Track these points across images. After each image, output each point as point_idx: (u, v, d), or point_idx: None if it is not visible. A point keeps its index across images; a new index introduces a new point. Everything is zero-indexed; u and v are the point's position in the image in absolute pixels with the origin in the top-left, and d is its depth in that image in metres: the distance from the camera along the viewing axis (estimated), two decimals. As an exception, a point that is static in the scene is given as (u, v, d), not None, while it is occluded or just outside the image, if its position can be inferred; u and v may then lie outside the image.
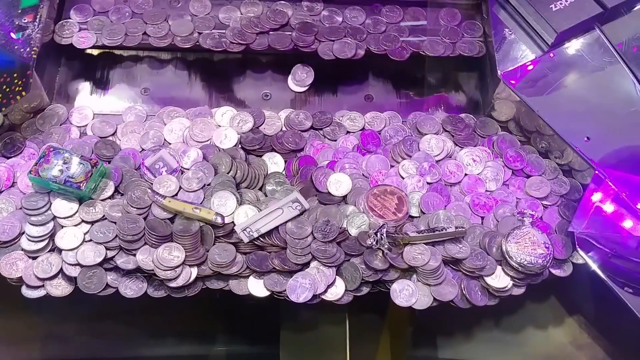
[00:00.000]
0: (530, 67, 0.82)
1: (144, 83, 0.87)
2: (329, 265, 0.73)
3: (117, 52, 0.89)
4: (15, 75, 0.76)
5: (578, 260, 0.76)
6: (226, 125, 0.81)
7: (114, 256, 0.72)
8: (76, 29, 0.85)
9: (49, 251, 0.73)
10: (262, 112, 0.83)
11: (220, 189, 0.75)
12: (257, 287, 0.73)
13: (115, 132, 0.81)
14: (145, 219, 0.73)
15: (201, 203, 0.75)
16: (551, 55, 0.82)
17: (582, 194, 0.79)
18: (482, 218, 0.78)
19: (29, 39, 0.79)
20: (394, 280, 0.74)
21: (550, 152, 0.82)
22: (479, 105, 0.88)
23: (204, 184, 0.76)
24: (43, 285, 0.72)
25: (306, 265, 0.74)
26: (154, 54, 0.89)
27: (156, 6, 0.87)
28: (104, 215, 0.73)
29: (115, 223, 0.73)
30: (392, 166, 0.80)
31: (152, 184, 0.75)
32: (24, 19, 0.80)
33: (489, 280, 0.74)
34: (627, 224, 0.75)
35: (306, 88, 0.87)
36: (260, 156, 0.80)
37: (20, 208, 0.74)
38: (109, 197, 0.75)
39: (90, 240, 0.72)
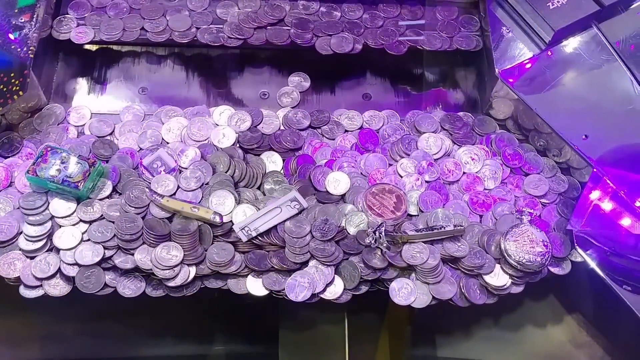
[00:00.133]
0: (528, 66, 0.82)
1: (141, 82, 0.87)
2: (328, 264, 0.73)
3: (114, 48, 0.89)
4: (12, 74, 0.76)
5: (577, 259, 0.77)
6: (224, 124, 0.81)
7: (112, 256, 0.72)
8: (74, 25, 0.85)
9: (46, 251, 0.73)
10: (260, 111, 0.83)
11: (219, 188, 0.75)
12: (255, 286, 0.73)
13: (113, 131, 0.81)
14: (143, 218, 0.73)
15: (199, 202, 0.75)
16: (549, 53, 0.82)
17: (580, 192, 0.79)
18: (481, 216, 0.78)
19: (26, 39, 0.79)
20: (393, 279, 0.74)
21: (549, 150, 0.82)
22: (477, 104, 0.88)
23: (202, 183, 0.76)
24: (41, 285, 0.72)
25: (305, 264, 0.74)
26: (151, 49, 0.89)
27: (154, 1, 0.88)
28: (102, 215, 0.73)
29: (113, 222, 0.72)
30: (390, 165, 0.80)
31: (150, 183, 0.75)
32: (21, 19, 0.80)
33: (487, 278, 0.74)
34: (626, 221, 0.75)
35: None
36: (259, 155, 0.80)
37: (18, 208, 0.73)
38: (107, 197, 0.75)
39: (88, 239, 0.72)
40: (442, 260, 0.74)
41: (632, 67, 0.80)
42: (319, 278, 0.73)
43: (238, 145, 0.80)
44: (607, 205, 0.76)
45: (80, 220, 0.73)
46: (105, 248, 0.72)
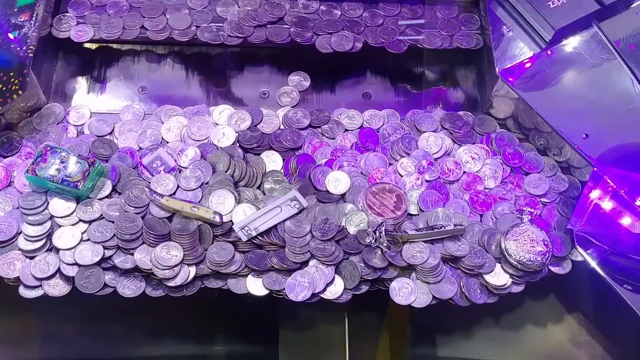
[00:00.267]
0: (528, 65, 0.82)
1: (141, 81, 0.87)
2: (328, 263, 0.73)
3: (114, 46, 0.89)
4: (11, 74, 0.76)
5: (577, 258, 0.76)
6: (224, 123, 0.81)
7: (111, 255, 0.72)
8: (74, 23, 0.85)
9: (46, 251, 0.73)
10: (260, 111, 0.83)
11: (219, 188, 0.75)
12: (255, 286, 0.73)
13: (113, 130, 0.80)
14: (143, 218, 0.73)
15: (199, 202, 0.74)
16: (549, 52, 0.82)
17: (580, 191, 0.79)
18: (481, 216, 0.78)
19: (25, 38, 0.78)
20: (393, 279, 0.74)
21: (549, 149, 0.82)
22: (477, 103, 0.88)
23: (202, 183, 0.76)
24: (40, 285, 0.72)
25: (305, 263, 0.73)
26: (151, 48, 0.89)
27: (153, 0, 0.87)
28: (101, 215, 0.73)
29: (113, 222, 0.72)
30: (390, 164, 0.80)
31: (149, 182, 0.75)
32: (20, 18, 0.80)
33: (488, 278, 0.74)
34: (626, 221, 0.75)
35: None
36: (259, 154, 0.80)
37: (18, 207, 0.73)
38: (107, 196, 0.74)
39: (88, 239, 0.72)
40: (442, 260, 0.74)
41: (633, 66, 0.80)
42: (319, 278, 0.73)
43: (238, 144, 0.80)
44: (607, 205, 0.76)
45: (80, 220, 0.73)
46: (104, 248, 0.72)
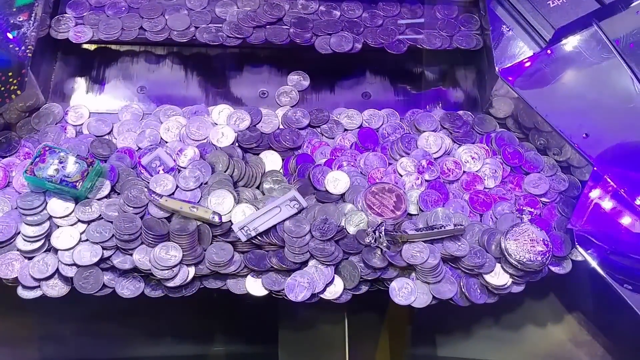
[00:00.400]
0: (528, 64, 0.82)
1: (140, 81, 0.87)
2: (328, 263, 0.73)
3: (113, 47, 0.88)
4: (10, 74, 0.76)
5: (577, 258, 0.76)
6: (223, 123, 0.81)
7: (110, 256, 0.72)
8: (72, 24, 0.85)
9: (44, 251, 0.72)
10: (259, 110, 0.82)
11: (218, 188, 0.75)
12: (255, 286, 0.73)
13: (112, 130, 0.80)
14: (142, 218, 0.73)
15: (198, 202, 0.74)
16: (549, 51, 0.82)
17: (580, 190, 0.79)
18: (481, 215, 0.78)
19: (24, 38, 0.78)
20: (393, 279, 0.74)
21: (549, 148, 0.82)
22: (477, 102, 0.88)
23: (201, 183, 0.76)
24: (39, 286, 0.72)
25: (304, 264, 0.73)
26: (150, 49, 0.88)
27: (152, 0, 0.87)
28: (100, 215, 0.73)
29: (111, 222, 0.72)
30: (390, 164, 0.80)
31: (148, 183, 0.75)
32: (19, 18, 0.80)
33: (488, 278, 0.74)
34: (626, 220, 0.75)
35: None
36: (258, 154, 0.80)
37: (16, 208, 0.73)
38: (106, 197, 0.74)
39: (87, 240, 0.72)
40: (442, 260, 0.74)
41: (633, 65, 0.80)
42: (318, 278, 0.72)
43: (237, 144, 0.80)
44: (607, 204, 0.76)
45: (79, 220, 0.73)
46: (103, 248, 0.71)
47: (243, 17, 0.86)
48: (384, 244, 0.72)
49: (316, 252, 0.73)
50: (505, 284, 0.74)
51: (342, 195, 0.77)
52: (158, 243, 0.72)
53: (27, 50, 0.77)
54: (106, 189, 0.74)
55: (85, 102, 0.84)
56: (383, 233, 0.72)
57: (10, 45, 0.77)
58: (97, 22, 0.85)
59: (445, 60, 0.90)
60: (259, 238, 0.73)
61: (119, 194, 0.75)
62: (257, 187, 0.78)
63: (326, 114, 0.83)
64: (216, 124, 0.81)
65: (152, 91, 0.86)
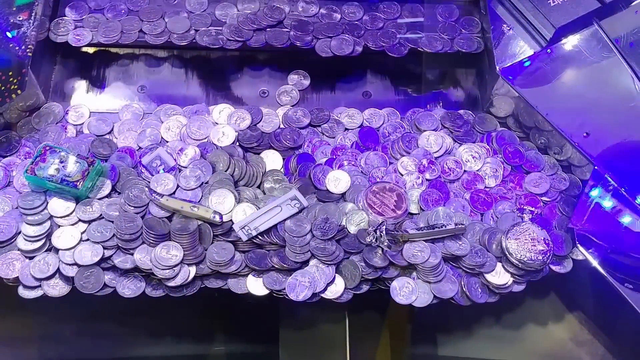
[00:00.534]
0: (528, 63, 0.82)
1: (140, 81, 0.86)
2: (329, 263, 0.73)
3: (113, 50, 0.88)
4: (10, 73, 0.75)
5: (578, 257, 0.76)
6: (224, 122, 0.81)
7: (111, 255, 0.72)
8: (71, 27, 0.84)
9: (45, 251, 0.72)
10: (260, 110, 0.82)
11: (218, 187, 0.75)
12: (256, 286, 0.73)
13: (112, 130, 0.80)
14: (142, 217, 0.73)
15: (199, 201, 0.74)
16: (549, 51, 0.82)
17: (581, 189, 0.79)
18: (482, 215, 0.78)
19: (24, 37, 0.78)
20: (394, 278, 0.74)
21: (550, 148, 0.82)
22: (478, 102, 0.88)
23: (202, 182, 0.76)
24: (40, 286, 0.72)
25: (305, 263, 0.73)
26: (150, 51, 0.88)
27: (152, 3, 0.87)
28: (101, 215, 0.73)
29: (112, 222, 0.72)
30: (390, 163, 0.80)
31: (149, 182, 0.75)
32: (19, 17, 0.79)
33: (489, 277, 0.74)
34: (627, 219, 0.75)
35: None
36: (258, 154, 0.80)
37: (17, 207, 0.73)
38: (106, 196, 0.74)
39: (88, 239, 0.72)
40: (443, 259, 0.74)
41: (633, 64, 0.80)
42: (319, 277, 0.72)
43: (238, 143, 0.80)
44: (608, 203, 0.76)
45: (79, 220, 0.73)
46: (104, 248, 0.71)
47: (243, 19, 0.85)
48: (385, 243, 0.72)
49: (317, 252, 0.72)
50: (506, 283, 0.74)
51: (343, 194, 0.77)
52: (159, 242, 0.72)
53: (27, 50, 0.77)
54: (107, 189, 0.74)
55: (86, 101, 0.84)
56: (384, 232, 0.72)
57: (10, 45, 0.77)
58: (97, 25, 0.84)
59: (446, 60, 0.90)
60: (260, 237, 0.73)
61: (119, 193, 0.75)
62: (258, 187, 0.78)
63: (327, 113, 0.83)
64: (217, 124, 0.81)
65: (153, 90, 0.86)
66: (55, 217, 0.72)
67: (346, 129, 0.83)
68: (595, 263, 0.75)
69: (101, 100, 0.85)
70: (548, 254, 0.73)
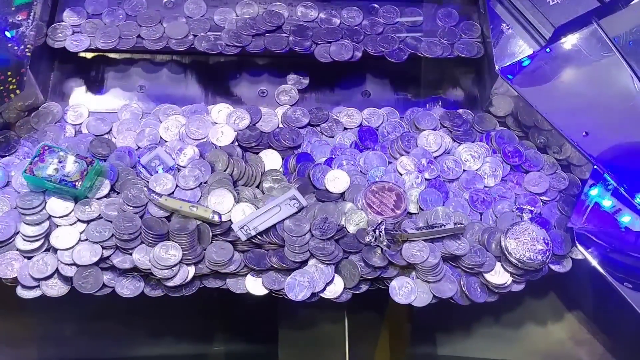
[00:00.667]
0: (527, 62, 0.81)
1: (139, 80, 0.86)
2: (328, 263, 0.73)
3: (111, 55, 0.88)
4: (9, 73, 0.75)
5: (577, 256, 0.76)
6: (222, 122, 0.81)
7: (110, 255, 0.72)
8: (69, 32, 0.84)
9: (44, 251, 0.72)
10: (259, 109, 0.82)
11: (217, 187, 0.75)
12: (255, 286, 0.73)
13: (111, 130, 0.80)
14: (141, 217, 0.73)
15: (198, 201, 0.74)
16: (548, 50, 0.82)
17: (581, 189, 0.79)
18: (481, 214, 0.78)
19: (22, 37, 0.78)
20: (393, 278, 0.74)
21: (549, 147, 0.82)
22: (477, 101, 0.88)
23: (201, 182, 0.76)
24: (38, 286, 0.71)
25: (304, 263, 0.73)
26: (148, 57, 0.88)
27: (150, 8, 0.86)
28: (99, 214, 0.73)
29: (111, 222, 0.72)
30: (390, 162, 0.80)
31: (148, 182, 0.75)
32: (18, 17, 0.79)
33: (488, 276, 0.74)
34: (626, 218, 0.75)
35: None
36: (257, 153, 0.80)
37: (15, 207, 0.73)
38: (105, 196, 0.74)
39: (86, 239, 0.72)
40: (442, 259, 0.74)
41: (633, 63, 0.80)
42: (318, 277, 0.72)
43: (237, 143, 0.80)
44: (607, 202, 0.76)
45: (78, 220, 0.72)
46: (103, 248, 0.71)
47: (242, 25, 0.85)
48: (384, 243, 0.72)
49: (316, 251, 0.72)
50: (506, 283, 0.74)
51: (342, 194, 0.77)
52: (158, 242, 0.71)
53: (26, 50, 0.77)
54: (106, 189, 0.74)
55: (85, 101, 0.84)
56: (383, 232, 0.72)
57: (9, 45, 0.77)
58: (95, 30, 0.84)
59: (446, 60, 0.90)
60: (259, 237, 0.73)
61: (118, 193, 0.75)
62: (257, 186, 0.77)
63: (326, 112, 0.83)
64: (216, 123, 0.81)
65: (152, 90, 0.86)
66: (54, 217, 0.72)
67: (345, 129, 0.83)
68: (594, 262, 0.75)
69: (100, 100, 0.85)
70: (547, 254, 0.73)
